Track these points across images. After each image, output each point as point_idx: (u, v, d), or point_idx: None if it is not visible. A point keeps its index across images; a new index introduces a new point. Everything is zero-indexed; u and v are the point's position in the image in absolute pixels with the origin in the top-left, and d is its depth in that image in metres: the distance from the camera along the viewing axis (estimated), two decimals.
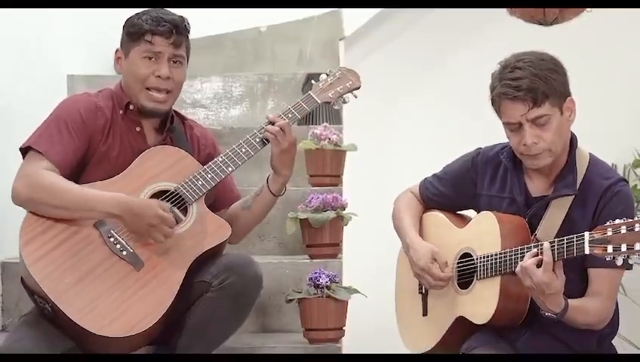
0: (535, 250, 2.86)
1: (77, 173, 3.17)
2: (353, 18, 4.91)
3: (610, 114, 4.39)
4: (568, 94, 3.00)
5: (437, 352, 3.20)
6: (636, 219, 2.71)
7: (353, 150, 4.03)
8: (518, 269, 2.86)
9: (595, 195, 2.95)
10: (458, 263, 3.15)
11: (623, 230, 2.71)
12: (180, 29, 3.24)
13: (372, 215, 3.57)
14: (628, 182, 3.08)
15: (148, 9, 3.27)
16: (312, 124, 4.37)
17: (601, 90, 4.41)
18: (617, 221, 2.73)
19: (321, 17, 5.06)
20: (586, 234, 2.77)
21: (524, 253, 2.92)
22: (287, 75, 4.75)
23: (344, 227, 3.81)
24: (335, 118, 4.47)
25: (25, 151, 3.16)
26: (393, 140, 4.80)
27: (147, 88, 3.22)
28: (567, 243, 2.81)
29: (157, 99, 3.23)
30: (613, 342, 3.17)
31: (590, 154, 3.09)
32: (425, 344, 3.21)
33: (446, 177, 3.29)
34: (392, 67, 4.86)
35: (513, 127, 2.98)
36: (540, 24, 3.24)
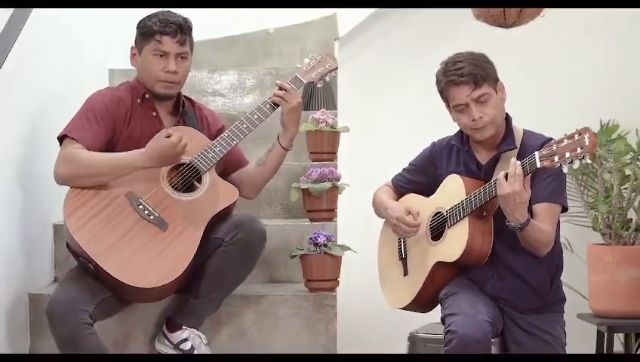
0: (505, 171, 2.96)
1: None
2: (346, 21, 4.91)
3: (562, 102, 4.44)
4: (498, 79, 3.17)
5: (416, 303, 3.27)
6: (575, 131, 2.83)
7: (346, 131, 4.05)
8: (498, 177, 2.95)
9: (533, 150, 3.01)
10: (431, 221, 3.24)
11: (565, 142, 2.84)
12: (184, 29, 3.28)
13: (362, 185, 3.62)
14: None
15: (157, 12, 3.30)
16: (312, 109, 4.41)
17: (559, 81, 4.46)
18: (560, 137, 2.88)
19: (319, 21, 5.03)
20: (536, 153, 2.91)
21: (482, 192, 3.04)
22: (292, 69, 4.64)
23: (339, 195, 3.85)
24: (331, 104, 4.51)
25: (61, 139, 3.22)
26: (381, 124, 4.81)
27: (159, 81, 3.28)
28: (521, 163, 2.92)
29: (167, 87, 3.29)
30: (567, 308, 3.25)
31: (523, 129, 3.22)
32: (406, 298, 3.29)
33: (414, 168, 3.40)
34: (380, 63, 4.86)
35: (461, 108, 3.14)
36: (501, 27, 3.24)
